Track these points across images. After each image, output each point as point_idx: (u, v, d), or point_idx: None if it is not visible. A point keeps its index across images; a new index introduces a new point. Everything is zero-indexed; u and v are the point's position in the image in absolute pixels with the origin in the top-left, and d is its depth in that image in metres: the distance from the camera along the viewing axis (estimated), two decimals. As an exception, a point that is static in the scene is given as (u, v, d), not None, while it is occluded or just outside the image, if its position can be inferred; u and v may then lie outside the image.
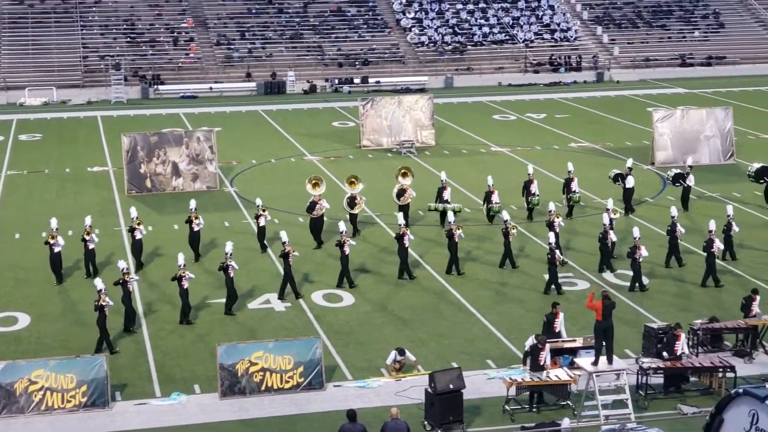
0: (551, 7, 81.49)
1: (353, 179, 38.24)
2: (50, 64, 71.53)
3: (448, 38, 77.76)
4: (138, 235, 33.72)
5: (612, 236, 33.19)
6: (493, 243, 35.97)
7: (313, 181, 37.46)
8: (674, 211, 34.35)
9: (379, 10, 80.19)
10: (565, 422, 21.40)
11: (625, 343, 27.07)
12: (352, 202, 37.54)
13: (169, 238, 36.94)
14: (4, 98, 67.99)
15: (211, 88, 70.70)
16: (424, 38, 77.63)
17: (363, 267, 33.86)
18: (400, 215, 35.19)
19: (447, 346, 27.73)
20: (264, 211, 35.76)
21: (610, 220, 33.80)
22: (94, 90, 69.32)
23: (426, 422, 23.22)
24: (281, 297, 31.17)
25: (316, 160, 49.64)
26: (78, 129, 58.69)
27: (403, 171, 39.08)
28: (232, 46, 74.97)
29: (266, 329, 28.88)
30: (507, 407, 23.81)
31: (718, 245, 32.23)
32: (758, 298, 27.70)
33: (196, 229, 34.75)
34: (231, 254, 30.16)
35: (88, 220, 33.50)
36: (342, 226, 32.73)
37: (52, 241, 32.50)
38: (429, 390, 23.16)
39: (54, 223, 33.29)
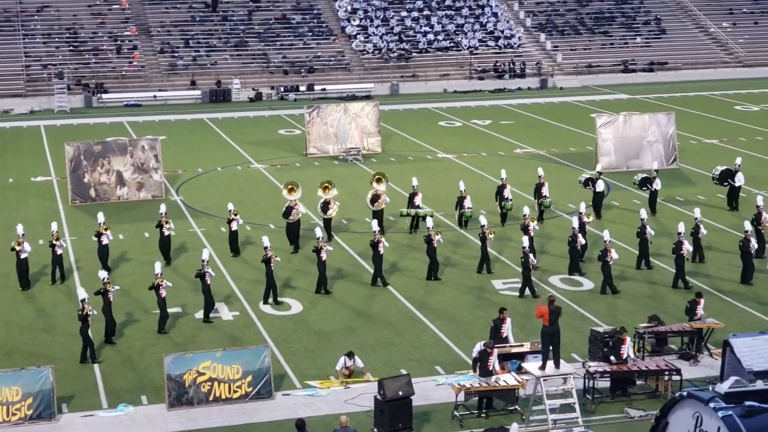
0: (495, 15, 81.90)
1: (327, 184, 38.20)
2: (-9, 73, 70.72)
3: (393, 45, 77.91)
4: (105, 240, 34.05)
5: (581, 239, 33.48)
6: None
7: (289, 186, 37.68)
8: (644, 213, 34.68)
9: (324, 17, 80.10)
10: (514, 427, 21.46)
11: (572, 347, 27.30)
12: (325, 206, 37.57)
13: (116, 247, 36.44)
14: (-55, 108, 67.10)
15: (155, 97, 70.13)
16: (369, 45, 77.67)
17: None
18: (375, 222, 35.30)
19: (395, 352, 27.77)
20: (236, 215, 35.82)
21: (581, 223, 34.07)
22: (36, 99, 68.47)
23: (375, 429, 23.22)
24: (266, 301, 31.32)
25: (262, 168, 49.47)
26: (21, 138, 57.98)
27: (377, 177, 39.23)
28: (176, 54, 74.45)
29: (213, 339, 28.69)
30: (456, 413, 23.91)
31: (687, 247, 32.56)
32: (702, 301, 28.05)
33: (166, 233, 35.04)
34: (207, 261, 30.28)
35: (53, 226, 34.11)
36: (318, 232, 33.05)
37: (18, 248, 32.61)
38: (378, 397, 23.18)
39: (20, 229, 33.42)
